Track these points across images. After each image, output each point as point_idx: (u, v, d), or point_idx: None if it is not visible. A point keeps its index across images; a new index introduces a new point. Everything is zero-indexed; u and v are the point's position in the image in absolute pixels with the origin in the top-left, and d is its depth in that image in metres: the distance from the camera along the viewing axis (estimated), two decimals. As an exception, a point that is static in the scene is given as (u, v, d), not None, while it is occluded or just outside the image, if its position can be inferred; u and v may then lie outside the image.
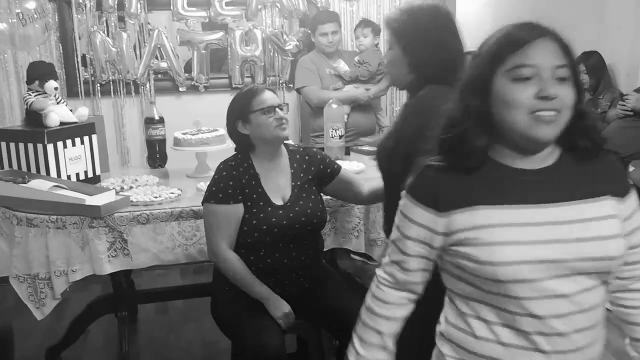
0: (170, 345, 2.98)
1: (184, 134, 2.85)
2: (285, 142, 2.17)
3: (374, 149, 3.10)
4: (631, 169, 3.36)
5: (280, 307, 2.00)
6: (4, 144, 2.61)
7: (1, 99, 3.44)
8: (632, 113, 3.53)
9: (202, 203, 2.10)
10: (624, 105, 3.58)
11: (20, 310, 2.49)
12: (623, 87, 3.93)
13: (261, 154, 2.11)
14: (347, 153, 3.18)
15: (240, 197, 2.04)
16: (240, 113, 2.08)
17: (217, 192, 2.04)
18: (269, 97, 2.07)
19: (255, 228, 2.03)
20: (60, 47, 3.47)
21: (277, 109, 2.06)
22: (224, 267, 2.05)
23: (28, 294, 2.36)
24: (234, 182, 2.04)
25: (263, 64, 3.71)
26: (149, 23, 3.62)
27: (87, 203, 2.23)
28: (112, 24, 3.48)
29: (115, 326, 2.84)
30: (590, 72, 3.87)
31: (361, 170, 2.88)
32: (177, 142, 2.85)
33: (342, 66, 3.40)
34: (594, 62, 3.89)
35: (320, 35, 3.44)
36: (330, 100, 3.13)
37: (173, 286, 3.35)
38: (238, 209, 2.04)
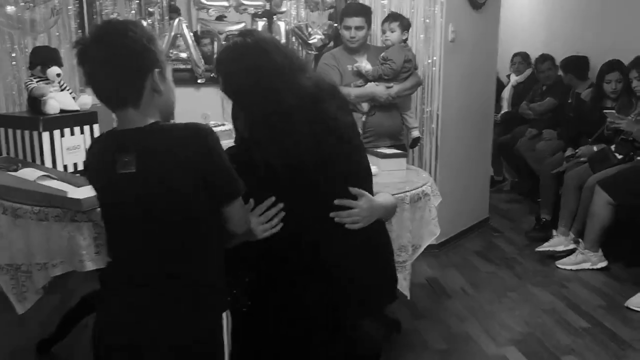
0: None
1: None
2: None
3: (392, 151, 2.91)
4: None
5: None
6: (2, 130, 2.57)
7: (19, 84, 3.41)
8: None
9: None
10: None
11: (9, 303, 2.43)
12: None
13: None
14: (364, 155, 2.98)
15: None
16: None
17: None
18: None
19: None
20: (80, 34, 3.42)
21: None
22: None
23: (11, 286, 2.28)
24: None
25: (285, 57, 3.56)
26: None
27: (68, 195, 2.12)
28: (132, 12, 3.40)
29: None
30: None
31: (374, 173, 2.67)
32: (181, 136, 2.73)
33: (365, 64, 3.20)
34: None
35: (344, 29, 3.25)
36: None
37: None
38: None
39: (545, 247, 3.90)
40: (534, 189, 4.78)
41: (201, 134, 1.41)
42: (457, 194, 4.10)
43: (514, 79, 5.95)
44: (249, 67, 1.54)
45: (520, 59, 5.87)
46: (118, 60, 1.39)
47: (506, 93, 5.95)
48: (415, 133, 3.53)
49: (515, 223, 4.66)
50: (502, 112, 5.90)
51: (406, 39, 3.30)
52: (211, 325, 1.51)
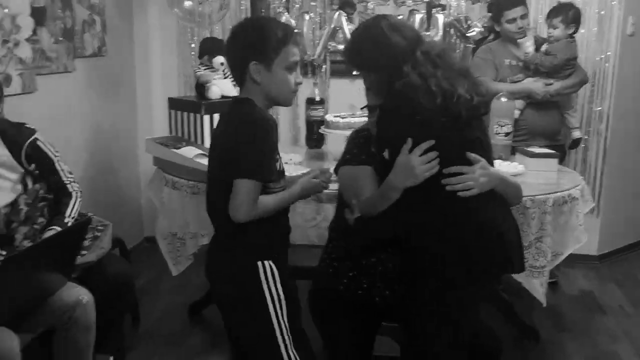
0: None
1: (335, 116, 2.84)
2: None
3: (542, 151, 2.75)
4: None
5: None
6: (173, 112, 2.88)
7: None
8: None
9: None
10: None
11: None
12: None
13: None
14: (513, 153, 2.85)
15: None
16: None
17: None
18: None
19: None
20: (251, 27, 3.68)
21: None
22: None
23: (168, 251, 2.58)
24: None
25: (442, 50, 3.50)
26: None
27: (216, 173, 2.33)
28: (297, 5, 3.59)
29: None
30: None
31: (520, 172, 2.56)
32: (327, 124, 2.85)
33: (529, 44, 3.02)
34: None
35: (507, 23, 3.09)
36: (500, 93, 2.83)
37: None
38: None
39: None
40: None
41: (249, 119, 1.66)
42: (627, 203, 3.73)
43: None
44: (381, 35, 1.69)
45: None
46: (228, 50, 1.78)
47: None
48: (577, 134, 3.28)
49: (700, 242, 4.11)
50: (699, 116, 5.21)
51: (573, 33, 3.06)
52: (243, 277, 1.73)
